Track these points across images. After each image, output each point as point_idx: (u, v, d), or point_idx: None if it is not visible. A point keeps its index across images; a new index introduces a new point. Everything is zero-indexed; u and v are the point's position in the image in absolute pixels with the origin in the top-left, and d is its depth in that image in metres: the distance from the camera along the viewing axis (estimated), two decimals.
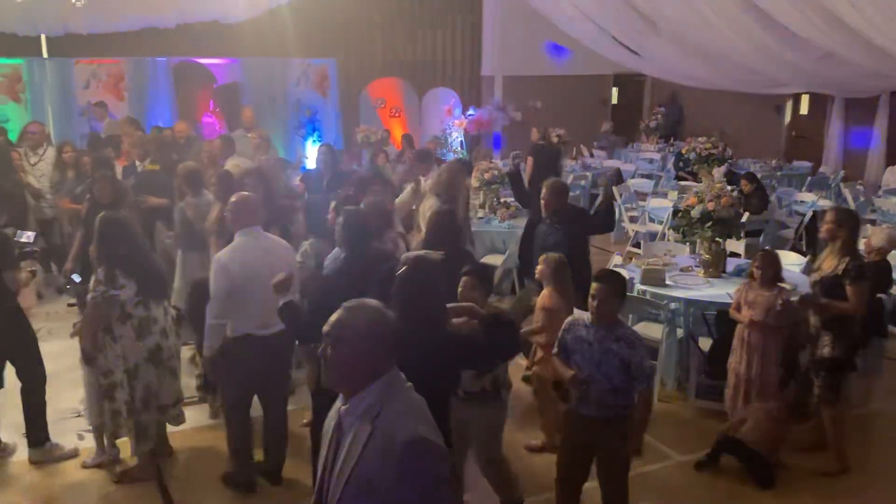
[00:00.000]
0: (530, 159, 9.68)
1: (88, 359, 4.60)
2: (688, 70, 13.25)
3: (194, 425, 5.42)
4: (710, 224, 6.17)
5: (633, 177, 12.30)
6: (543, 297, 5.06)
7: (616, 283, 3.81)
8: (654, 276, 6.08)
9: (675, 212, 6.81)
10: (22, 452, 5.12)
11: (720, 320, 5.60)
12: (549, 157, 9.89)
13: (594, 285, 3.79)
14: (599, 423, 3.77)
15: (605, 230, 6.16)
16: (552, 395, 5.01)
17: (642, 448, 3.97)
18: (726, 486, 4.69)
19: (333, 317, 2.25)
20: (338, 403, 2.30)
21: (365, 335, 2.20)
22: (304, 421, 5.27)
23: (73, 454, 5.01)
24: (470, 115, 14.32)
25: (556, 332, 4.06)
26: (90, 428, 4.94)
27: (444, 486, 2.16)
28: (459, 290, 3.89)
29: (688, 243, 7.01)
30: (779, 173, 12.07)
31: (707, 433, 5.18)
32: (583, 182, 11.97)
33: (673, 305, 5.83)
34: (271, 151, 9.72)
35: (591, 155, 14.26)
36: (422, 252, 3.79)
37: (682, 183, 11.05)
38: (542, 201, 5.86)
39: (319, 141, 13.21)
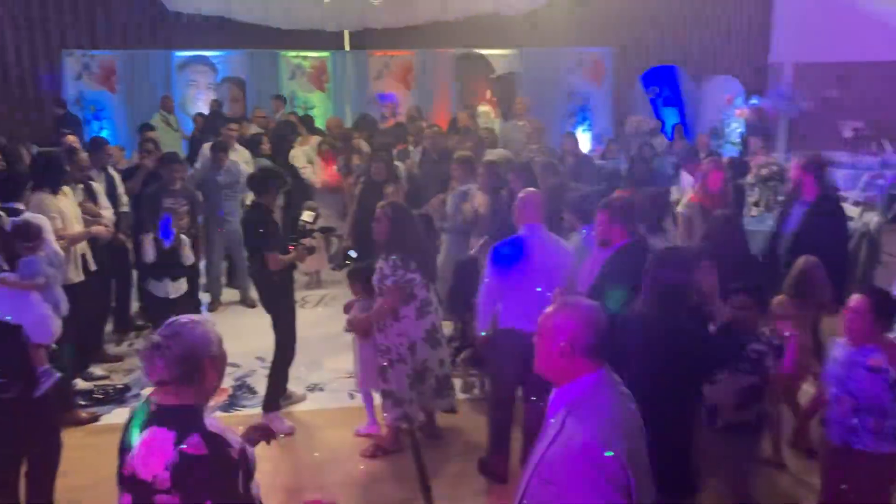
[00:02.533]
0: (751, 139, 9.77)
1: (365, 333, 5.01)
2: None
3: None
4: None
5: None
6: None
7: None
8: None
9: None
10: (310, 403, 5.79)
11: None
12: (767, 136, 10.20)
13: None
14: (843, 452, 3.48)
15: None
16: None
17: None
18: None
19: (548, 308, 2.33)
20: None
21: (568, 331, 2.24)
22: None
23: (290, 431, 5.30)
24: (753, 104, 13.40)
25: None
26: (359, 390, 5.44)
27: (610, 497, 2.11)
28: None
29: None
30: None
31: None
32: (880, 180, 10.71)
33: None
34: (542, 144, 9.91)
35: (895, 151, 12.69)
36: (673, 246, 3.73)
37: None
38: (794, 179, 5.30)
39: (590, 130, 13.22)
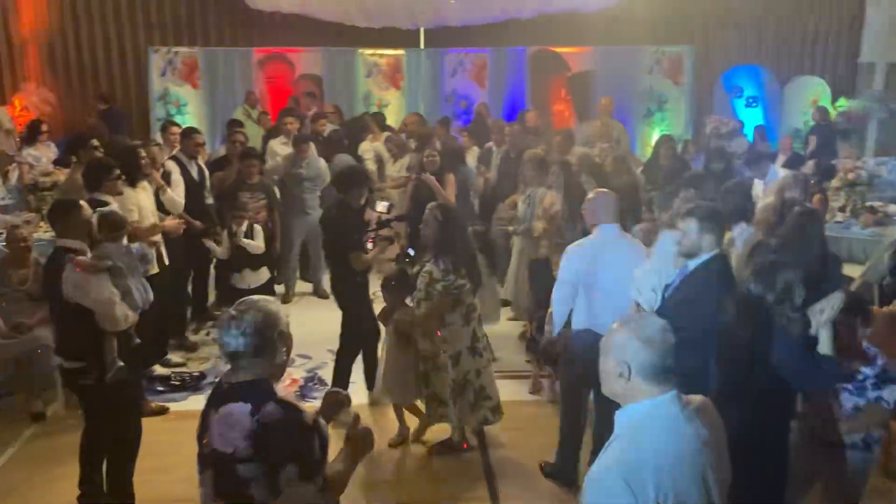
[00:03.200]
0: (812, 138, 10.12)
1: (405, 341, 4.87)
2: None
3: (514, 398, 5.71)
4: None
5: None
6: None
7: None
8: None
9: None
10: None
11: None
12: (829, 136, 10.46)
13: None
14: None
15: None
16: None
17: None
18: None
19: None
20: None
21: (627, 351, 2.17)
22: None
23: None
24: (840, 106, 12.89)
25: None
26: None
27: None
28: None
29: None
30: None
31: None
32: None
33: None
34: (623, 142, 9.77)
35: None
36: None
37: None
38: None
39: (667, 131, 12.93)
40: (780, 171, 7.72)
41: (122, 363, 4.09)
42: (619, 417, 2.20)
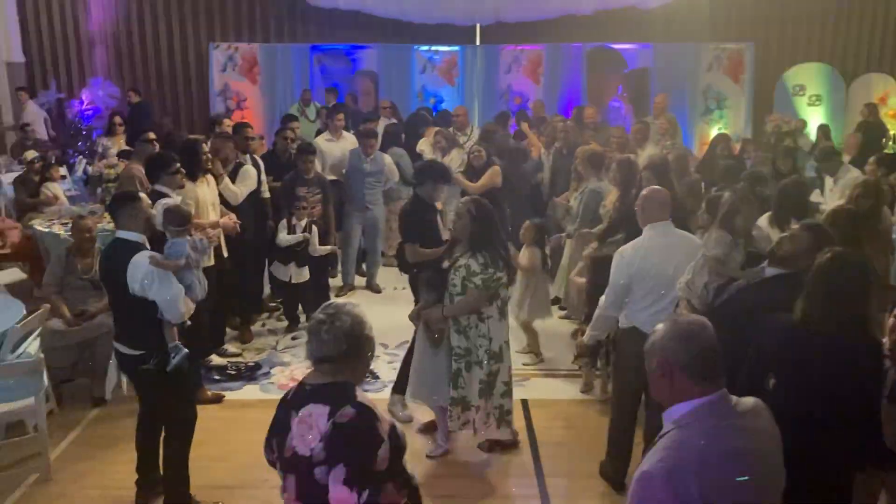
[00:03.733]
0: (857, 135, 9.80)
1: (439, 341, 4.68)
2: None
3: (565, 397, 5.72)
4: None
5: None
6: None
7: None
8: None
9: None
10: None
11: None
12: (875, 134, 10.34)
13: None
14: None
15: None
16: None
17: None
18: None
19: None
20: None
21: (664, 350, 2.15)
22: None
23: (409, 419, 5.28)
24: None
25: None
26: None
27: None
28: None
29: None
30: None
31: None
32: None
33: None
34: (677, 140, 9.61)
35: None
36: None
37: None
38: None
39: (725, 129, 12.67)
40: (853, 171, 7.47)
41: (186, 349, 4.17)
42: (666, 417, 2.19)
